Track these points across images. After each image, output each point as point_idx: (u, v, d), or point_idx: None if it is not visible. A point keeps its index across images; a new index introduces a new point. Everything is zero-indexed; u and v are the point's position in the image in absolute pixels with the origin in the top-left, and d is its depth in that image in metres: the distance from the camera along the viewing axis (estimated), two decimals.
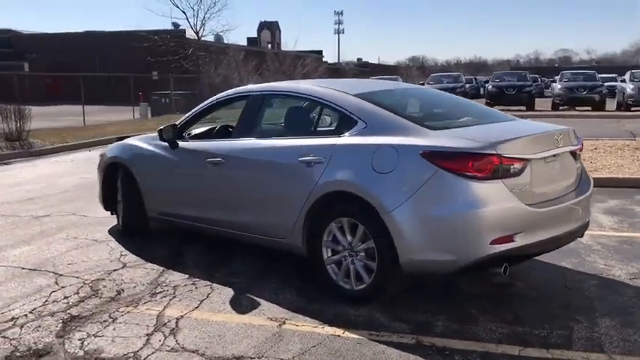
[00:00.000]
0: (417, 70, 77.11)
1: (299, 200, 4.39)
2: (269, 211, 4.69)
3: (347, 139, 4.25)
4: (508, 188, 3.75)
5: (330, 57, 74.62)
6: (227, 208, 5.00)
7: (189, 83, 28.82)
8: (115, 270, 5.10)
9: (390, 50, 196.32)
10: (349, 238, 4.17)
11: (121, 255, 5.54)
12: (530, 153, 3.88)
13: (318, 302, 4.23)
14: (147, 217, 5.97)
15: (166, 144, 5.57)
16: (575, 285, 4.57)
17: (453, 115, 4.53)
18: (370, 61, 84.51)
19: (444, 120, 4.37)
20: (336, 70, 58.96)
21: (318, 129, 4.70)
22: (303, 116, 5.06)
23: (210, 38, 32.29)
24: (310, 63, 43.02)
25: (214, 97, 5.58)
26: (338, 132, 4.39)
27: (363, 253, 4.11)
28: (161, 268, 5.11)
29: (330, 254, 4.32)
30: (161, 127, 5.51)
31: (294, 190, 4.44)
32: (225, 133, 5.92)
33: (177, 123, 5.59)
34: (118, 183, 6.21)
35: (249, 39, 64.16)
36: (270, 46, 62.90)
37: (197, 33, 24.60)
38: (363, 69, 70.97)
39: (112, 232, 6.35)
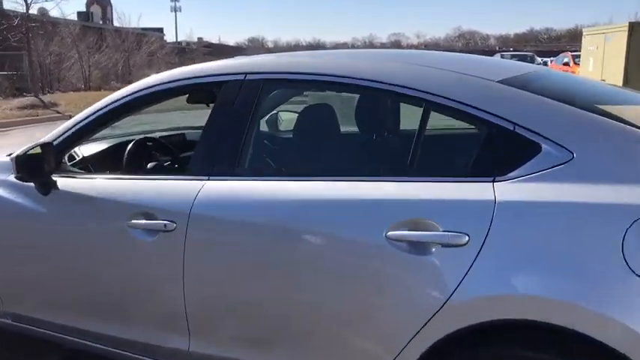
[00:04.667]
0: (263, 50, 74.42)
1: (394, 331, 1.89)
2: (305, 346, 2.10)
3: (527, 188, 1.77)
4: None
5: (169, 36, 68.81)
6: (180, 326, 2.31)
7: (14, 62, 23.86)
8: None
9: (229, 31, 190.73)
10: None
11: None
12: None
13: None
14: None
15: (26, 184, 2.66)
16: None
17: None
18: (212, 42, 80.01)
19: None
20: (183, 50, 54.40)
21: (428, 161, 2.06)
22: (379, 131, 2.45)
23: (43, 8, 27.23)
24: (156, 42, 38.69)
25: (136, 86, 2.61)
26: (488, 170, 1.85)
27: None
28: None
29: None
30: (17, 153, 2.58)
31: (380, 305, 1.91)
32: (151, 155, 3.08)
33: (51, 139, 2.67)
34: None
35: (79, 13, 57.97)
36: (102, 22, 56.90)
37: (26, 1, 19.96)
38: (206, 49, 66.50)
39: None
